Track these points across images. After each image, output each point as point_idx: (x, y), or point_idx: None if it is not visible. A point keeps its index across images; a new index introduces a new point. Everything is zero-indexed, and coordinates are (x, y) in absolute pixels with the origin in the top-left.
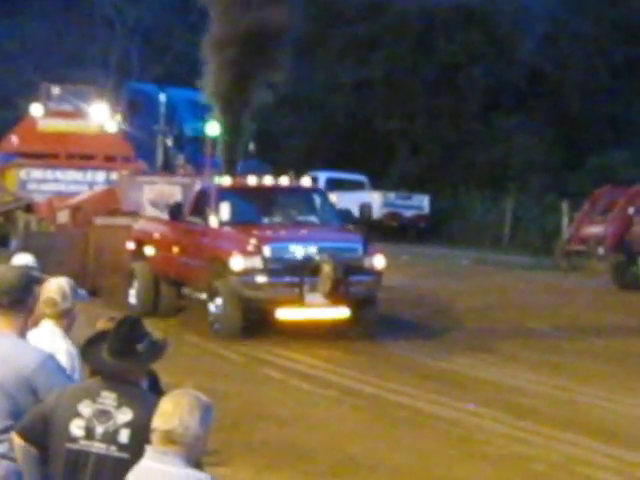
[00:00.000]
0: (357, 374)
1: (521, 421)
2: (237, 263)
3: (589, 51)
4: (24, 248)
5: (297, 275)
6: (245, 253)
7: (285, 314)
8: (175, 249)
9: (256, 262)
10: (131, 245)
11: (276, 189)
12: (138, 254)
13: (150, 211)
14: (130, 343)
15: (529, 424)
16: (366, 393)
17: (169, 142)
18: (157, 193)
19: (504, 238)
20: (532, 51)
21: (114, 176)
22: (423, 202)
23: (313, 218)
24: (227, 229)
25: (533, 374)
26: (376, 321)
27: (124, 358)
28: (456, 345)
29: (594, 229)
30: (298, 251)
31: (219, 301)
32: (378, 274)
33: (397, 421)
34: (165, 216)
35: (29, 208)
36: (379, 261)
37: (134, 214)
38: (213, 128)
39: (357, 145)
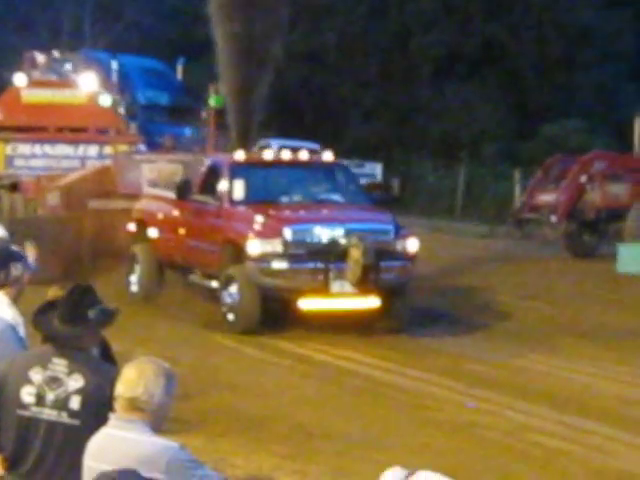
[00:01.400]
0: (309, 342)
1: (474, 389)
2: (254, 247)
3: (542, 20)
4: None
5: (322, 261)
6: (263, 236)
7: (308, 304)
8: (182, 231)
9: (275, 246)
10: (132, 227)
11: (295, 164)
12: (140, 237)
13: (150, 192)
14: (81, 310)
15: (482, 392)
16: (319, 361)
17: (122, 110)
18: (157, 173)
19: (457, 206)
20: (486, 19)
21: (107, 150)
22: (376, 170)
23: (337, 196)
24: (242, 209)
25: (487, 342)
26: (408, 312)
27: (75, 324)
28: (410, 313)
29: (546, 197)
30: (323, 234)
31: (234, 289)
32: (411, 259)
33: (350, 389)
34: (171, 194)
35: (15, 187)
36: (412, 244)
37: (132, 196)
38: (218, 99)
39: (309, 113)
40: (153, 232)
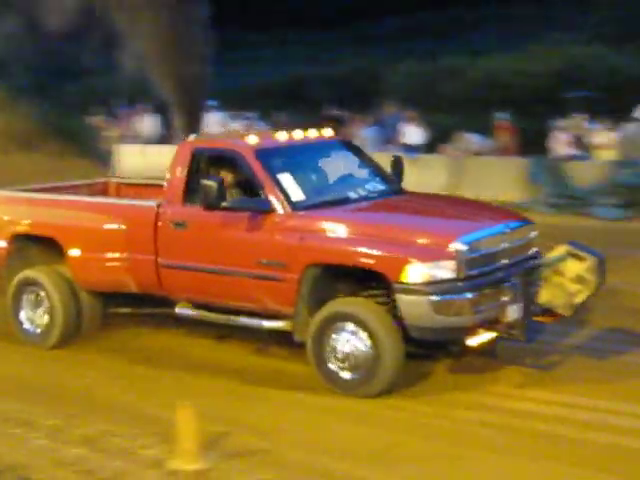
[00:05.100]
0: None
1: None
2: (417, 273)
3: None
4: None
5: (514, 283)
6: (426, 256)
7: (479, 339)
8: (178, 250)
9: (448, 269)
10: (2, 243)
11: (314, 146)
12: (34, 259)
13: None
14: None
15: None
16: None
17: None
18: None
19: None
20: None
21: None
22: None
23: (378, 185)
24: (314, 215)
25: None
26: None
27: None
28: None
29: None
30: (496, 243)
31: (352, 333)
32: None
33: None
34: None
35: None
36: None
37: None
38: None
39: None
40: (75, 252)
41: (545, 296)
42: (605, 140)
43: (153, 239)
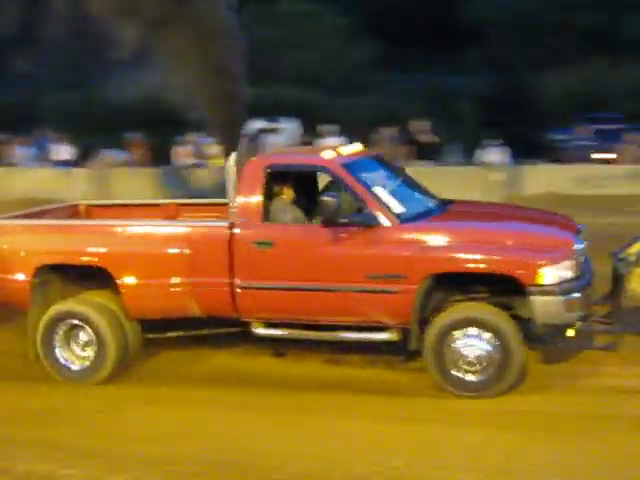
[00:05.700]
0: None
1: None
2: (550, 275)
3: None
4: None
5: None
6: (554, 258)
7: (573, 330)
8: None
9: (568, 269)
10: (22, 277)
11: (367, 161)
12: (67, 291)
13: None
14: None
15: None
16: None
17: None
18: None
19: None
20: None
21: None
22: None
23: (428, 197)
24: (428, 226)
25: None
26: None
27: None
28: None
29: None
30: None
31: (472, 340)
32: None
33: None
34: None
35: None
36: None
37: None
38: None
39: None
40: (129, 279)
41: (631, 286)
42: (217, 151)
43: (227, 261)
